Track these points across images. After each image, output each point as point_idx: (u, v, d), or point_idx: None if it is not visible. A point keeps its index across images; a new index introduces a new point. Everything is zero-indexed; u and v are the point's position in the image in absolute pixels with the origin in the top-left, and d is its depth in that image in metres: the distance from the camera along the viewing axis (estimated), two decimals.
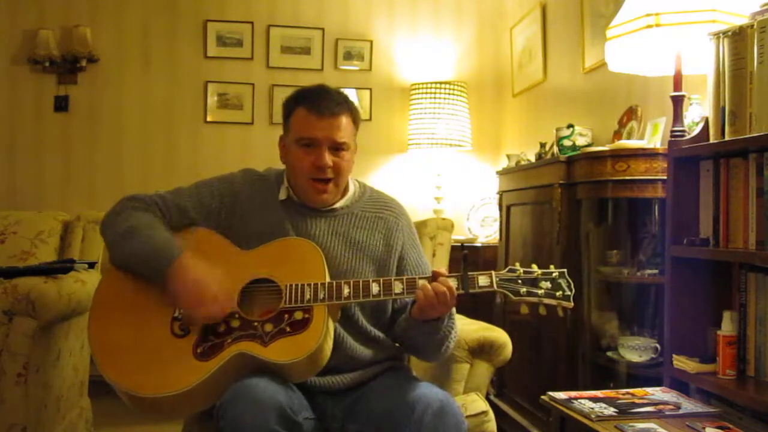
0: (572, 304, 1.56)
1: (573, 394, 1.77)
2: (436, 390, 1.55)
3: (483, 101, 4.27)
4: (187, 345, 1.50)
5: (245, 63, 4.07)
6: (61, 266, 2.25)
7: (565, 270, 1.59)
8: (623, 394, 1.76)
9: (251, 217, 1.69)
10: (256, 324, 1.51)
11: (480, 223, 3.99)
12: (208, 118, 4.04)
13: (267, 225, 1.67)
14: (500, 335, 1.95)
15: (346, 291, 1.54)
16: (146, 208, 1.66)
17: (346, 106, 1.69)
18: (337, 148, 1.66)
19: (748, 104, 1.63)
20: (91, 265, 2.45)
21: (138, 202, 1.68)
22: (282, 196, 1.73)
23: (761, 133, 1.58)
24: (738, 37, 1.66)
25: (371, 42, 4.18)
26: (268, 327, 1.51)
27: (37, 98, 3.87)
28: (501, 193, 3.14)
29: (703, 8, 1.87)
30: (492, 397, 2.96)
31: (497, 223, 3.36)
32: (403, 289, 1.55)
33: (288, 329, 1.50)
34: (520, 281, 1.57)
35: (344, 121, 1.67)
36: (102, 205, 3.58)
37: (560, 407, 1.71)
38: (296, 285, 1.54)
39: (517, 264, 1.60)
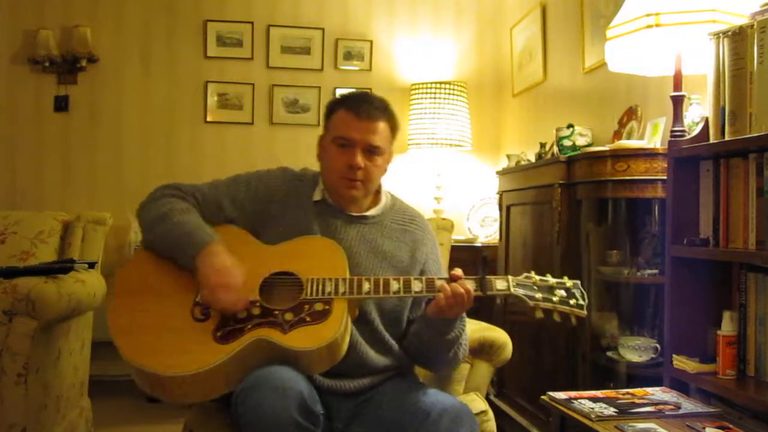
0: (585, 313, 1.60)
1: (573, 394, 1.77)
2: (452, 397, 1.58)
3: (483, 101, 4.27)
4: (207, 329, 1.52)
5: (245, 63, 4.07)
6: (61, 266, 2.26)
7: (579, 281, 1.63)
8: (623, 394, 1.76)
9: (283, 216, 1.71)
10: (276, 312, 1.53)
11: (480, 223, 3.99)
12: (208, 118, 4.04)
13: (296, 224, 1.70)
14: (500, 335, 1.95)
15: (366, 287, 1.57)
16: (183, 197, 1.70)
17: (385, 112, 1.73)
18: (371, 151, 1.69)
19: (748, 104, 1.63)
20: (91, 265, 2.45)
21: (175, 190, 1.72)
22: (316, 197, 1.75)
23: (761, 133, 1.58)
24: (738, 37, 1.66)
25: (371, 42, 4.18)
26: (289, 316, 1.53)
27: (37, 98, 3.87)
28: (501, 193, 3.14)
29: (703, 8, 1.87)
30: (492, 397, 2.96)
31: (497, 223, 3.36)
32: (422, 288, 1.58)
33: (308, 319, 1.52)
34: (535, 287, 1.61)
35: (381, 126, 1.70)
36: (102, 206, 3.62)
37: (560, 407, 1.71)
38: (318, 278, 1.57)
39: (533, 272, 1.63)
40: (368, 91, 1.83)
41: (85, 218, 2.69)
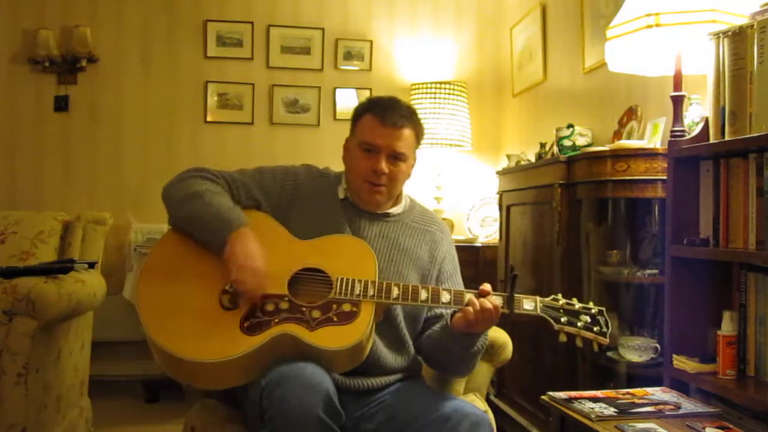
0: (608, 341, 1.60)
1: (573, 394, 1.77)
2: (471, 404, 1.59)
3: (483, 101, 4.27)
4: (234, 318, 1.52)
5: (245, 63, 4.07)
6: (61, 266, 2.26)
7: (604, 309, 1.64)
8: (623, 394, 1.77)
9: (310, 211, 1.73)
10: (304, 309, 1.54)
11: (480, 223, 3.99)
12: (208, 118, 4.04)
13: (324, 220, 1.71)
14: (500, 335, 1.95)
15: (395, 292, 1.57)
16: (214, 179, 1.70)
17: (411, 120, 1.75)
18: (395, 157, 1.71)
19: (748, 104, 1.63)
20: (91, 265, 2.45)
21: (206, 172, 1.72)
22: (341, 195, 1.78)
23: (761, 133, 1.58)
24: (738, 37, 1.66)
25: (371, 42, 4.18)
26: (316, 313, 1.53)
27: (37, 98, 3.87)
28: (501, 193, 3.14)
29: (703, 8, 1.87)
30: (492, 397, 2.96)
31: (497, 223, 3.36)
32: (450, 299, 1.59)
33: (335, 318, 1.53)
34: (561, 311, 1.61)
35: (407, 133, 1.73)
36: (102, 206, 3.62)
37: (560, 407, 1.71)
38: (348, 279, 1.57)
39: (560, 295, 1.64)
40: (395, 96, 1.84)
41: (85, 218, 2.69)
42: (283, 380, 1.41)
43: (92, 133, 3.93)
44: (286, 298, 1.55)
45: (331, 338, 1.49)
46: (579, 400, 1.71)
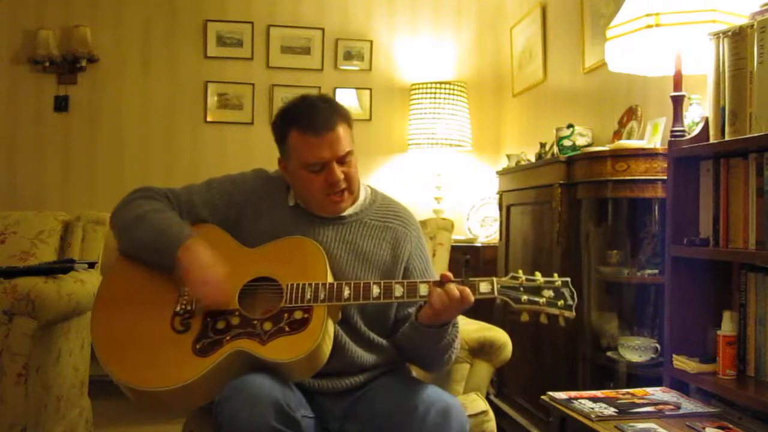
0: (574, 314, 1.53)
1: (573, 394, 1.77)
2: (440, 391, 1.56)
3: (483, 101, 4.27)
4: (187, 340, 1.50)
5: (245, 63, 4.07)
6: (61, 266, 2.25)
7: (569, 279, 1.56)
8: (623, 394, 1.77)
9: (260, 219, 1.68)
10: (255, 322, 1.51)
11: (480, 223, 3.99)
12: (208, 118, 4.04)
13: (274, 228, 1.66)
14: (500, 335, 1.95)
15: (346, 292, 1.54)
16: (156, 198, 1.67)
17: (337, 113, 1.64)
18: (343, 158, 1.63)
19: (748, 104, 1.63)
20: (91, 265, 2.45)
21: (149, 192, 1.69)
22: (290, 202, 1.72)
23: (761, 133, 1.58)
24: (738, 37, 1.66)
25: (371, 42, 4.18)
26: (267, 325, 1.51)
27: (37, 98, 3.87)
28: (501, 193, 3.14)
29: (703, 8, 1.87)
30: (492, 397, 2.96)
31: (497, 223, 3.36)
32: (403, 292, 1.54)
33: (287, 328, 1.50)
34: (522, 288, 1.54)
35: (341, 131, 1.62)
36: (102, 205, 3.61)
37: (560, 407, 1.71)
38: (297, 284, 1.54)
39: (520, 271, 1.57)
40: (305, 95, 1.70)
41: (85, 218, 2.69)
42: (231, 395, 1.41)
43: (92, 133, 3.93)
44: (237, 313, 1.53)
45: (284, 350, 1.47)
46: (579, 400, 1.71)
